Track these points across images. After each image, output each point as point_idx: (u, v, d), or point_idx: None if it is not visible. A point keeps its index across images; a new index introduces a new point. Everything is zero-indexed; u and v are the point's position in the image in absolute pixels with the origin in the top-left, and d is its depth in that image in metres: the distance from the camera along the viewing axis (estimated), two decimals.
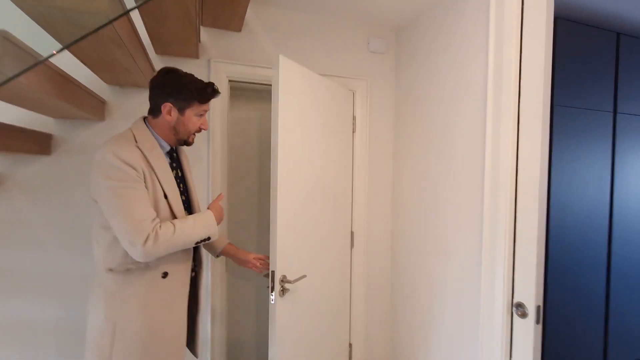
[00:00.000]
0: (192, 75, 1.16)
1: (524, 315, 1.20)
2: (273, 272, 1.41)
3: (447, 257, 1.63)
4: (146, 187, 1.06)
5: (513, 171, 1.27)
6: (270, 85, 1.86)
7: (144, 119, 1.18)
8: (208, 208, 1.24)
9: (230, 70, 1.76)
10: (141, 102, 1.62)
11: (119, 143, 1.05)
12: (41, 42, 0.95)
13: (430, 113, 1.77)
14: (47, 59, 0.73)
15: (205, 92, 1.15)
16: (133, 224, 0.99)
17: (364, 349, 2.09)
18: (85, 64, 1.24)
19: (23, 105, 1.21)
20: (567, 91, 1.68)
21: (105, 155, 1.01)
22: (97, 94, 1.46)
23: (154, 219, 1.04)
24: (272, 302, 1.41)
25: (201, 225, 1.14)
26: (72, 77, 1.21)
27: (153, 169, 1.08)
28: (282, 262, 1.46)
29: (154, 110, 1.15)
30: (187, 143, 1.21)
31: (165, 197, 1.11)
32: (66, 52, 1.30)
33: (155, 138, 1.15)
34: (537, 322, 1.17)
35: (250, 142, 2.44)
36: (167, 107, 1.12)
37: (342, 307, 2.05)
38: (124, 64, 1.26)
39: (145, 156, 1.07)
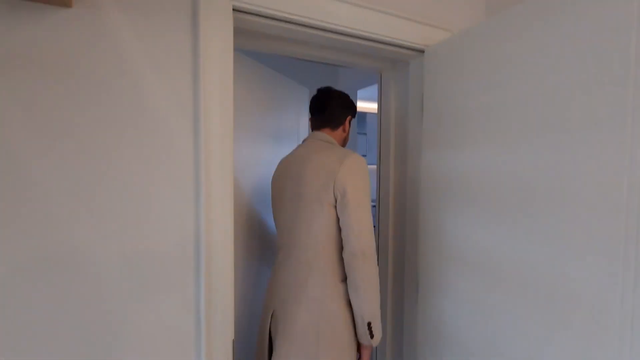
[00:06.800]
0: None
1: None
2: None
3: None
4: None
5: None
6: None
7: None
8: None
9: None
10: None
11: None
12: None
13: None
14: None
15: None
16: (370, 230, 1.08)
17: None
18: None
19: None
20: None
21: (361, 161, 1.12)
22: None
23: None
24: None
25: (377, 306, 1.10)
26: None
27: None
28: None
29: (336, 123, 1.27)
30: None
31: None
32: None
33: None
34: None
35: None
36: (348, 119, 1.30)
37: None
38: None
39: None
